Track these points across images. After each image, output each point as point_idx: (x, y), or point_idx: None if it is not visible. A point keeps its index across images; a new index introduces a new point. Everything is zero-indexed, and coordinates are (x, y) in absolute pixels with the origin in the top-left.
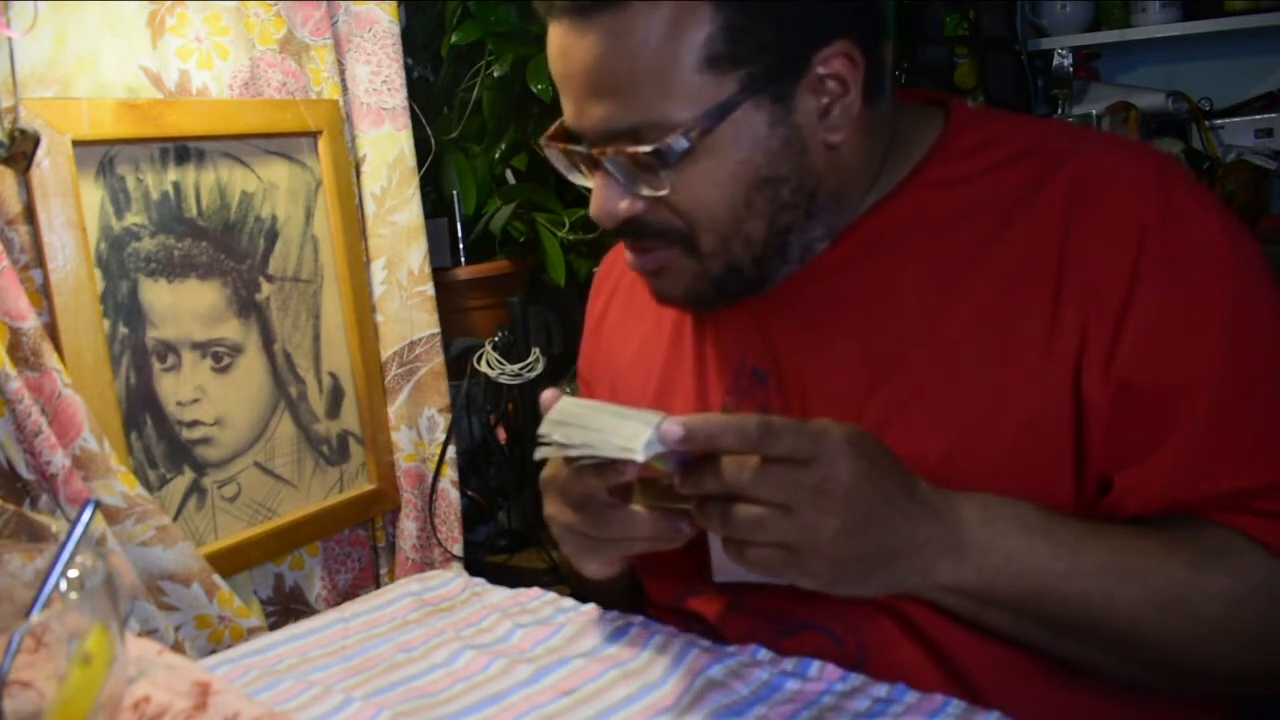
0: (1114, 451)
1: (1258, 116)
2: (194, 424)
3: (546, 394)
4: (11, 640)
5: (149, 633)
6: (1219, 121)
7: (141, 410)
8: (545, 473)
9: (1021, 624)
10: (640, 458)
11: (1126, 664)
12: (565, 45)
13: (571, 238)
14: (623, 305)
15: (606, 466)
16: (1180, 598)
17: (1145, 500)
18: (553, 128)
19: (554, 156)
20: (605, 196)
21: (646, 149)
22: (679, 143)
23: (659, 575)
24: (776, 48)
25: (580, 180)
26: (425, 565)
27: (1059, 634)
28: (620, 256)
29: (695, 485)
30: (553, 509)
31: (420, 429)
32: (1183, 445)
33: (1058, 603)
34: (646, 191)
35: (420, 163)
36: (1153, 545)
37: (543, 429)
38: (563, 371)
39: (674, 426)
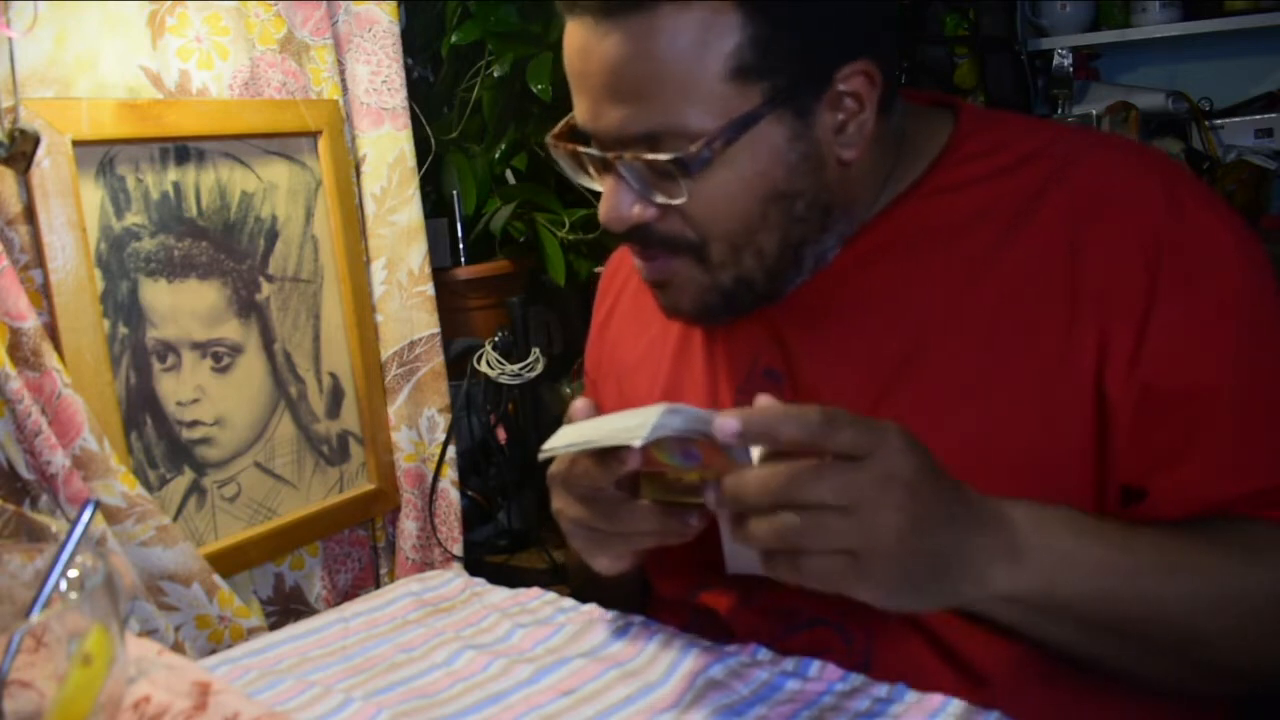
0: (1140, 456)
1: (1258, 116)
2: (194, 424)
3: (577, 403)
4: (11, 640)
5: (149, 633)
6: (1219, 121)
7: (141, 410)
8: (552, 468)
9: (1081, 632)
10: (638, 443)
11: (1183, 668)
12: (586, 44)
13: (571, 238)
14: (629, 306)
15: (610, 456)
16: (1235, 593)
17: (1183, 505)
18: (559, 126)
19: (560, 156)
20: (616, 201)
21: (667, 157)
22: (703, 153)
23: (669, 571)
24: (802, 62)
25: (586, 182)
26: (425, 565)
27: (1118, 640)
28: (626, 258)
29: (735, 499)
30: (560, 503)
31: (420, 429)
32: (1214, 447)
33: (1116, 603)
34: (661, 199)
35: (420, 163)
36: (1202, 543)
37: (547, 444)
38: (563, 371)
39: (729, 420)
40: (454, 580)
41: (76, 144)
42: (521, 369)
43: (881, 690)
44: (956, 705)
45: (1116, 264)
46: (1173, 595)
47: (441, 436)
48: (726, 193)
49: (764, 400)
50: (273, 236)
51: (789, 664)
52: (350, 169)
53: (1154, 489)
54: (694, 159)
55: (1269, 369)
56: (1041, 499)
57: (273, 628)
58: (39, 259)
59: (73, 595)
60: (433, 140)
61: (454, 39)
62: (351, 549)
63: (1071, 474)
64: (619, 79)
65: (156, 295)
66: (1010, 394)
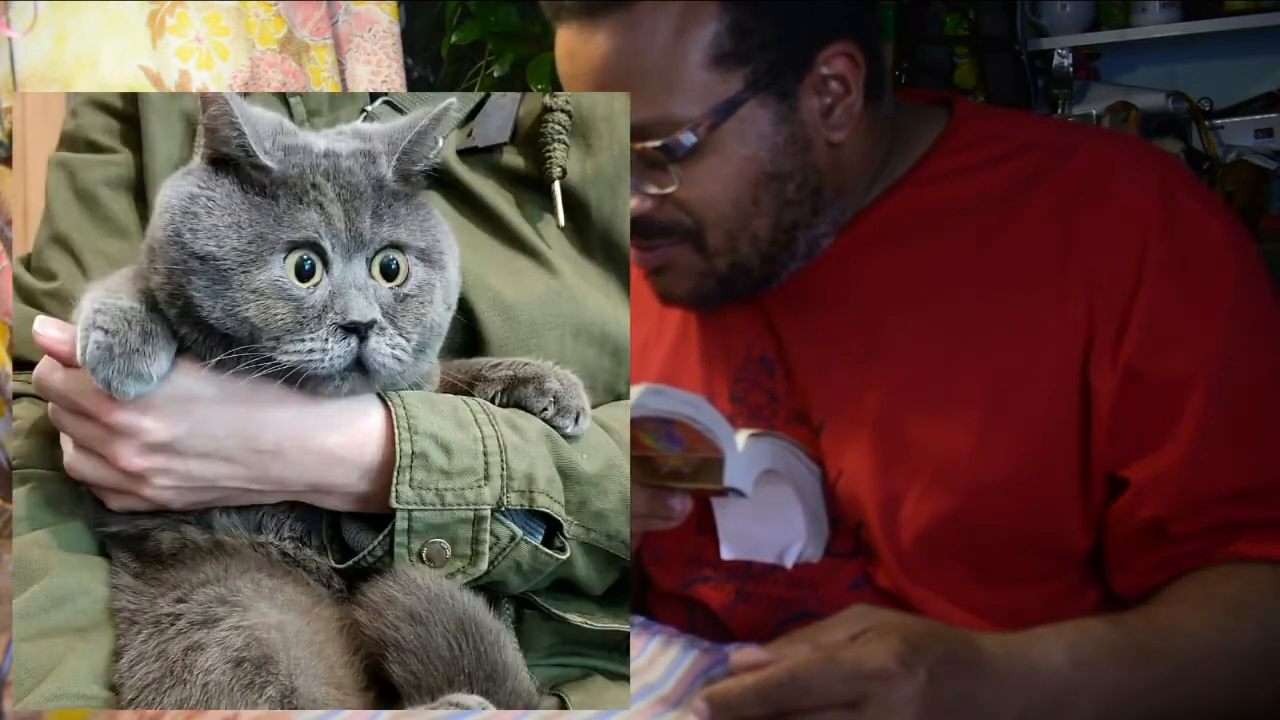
0: (1121, 443)
1: (1258, 116)
2: None
3: None
4: (11, 640)
5: None
6: (1219, 121)
7: None
8: None
9: None
10: None
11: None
12: (573, 47)
13: None
14: None
15: None
16: (1250, 658)
17: (1164, 497)
18: None
19: None
20: None
21: (654, 144)
22: (687, 138)
23: (664, 559)
24: (780, 46)
25: None
26: None
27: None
28: None
29: None
30: None
31: None
32: (1194, 438)
33: (1174, 708)
34: (654, 190)
35: None
36: (1219, 615)
37: None
38: None
39: (699, 704)
40: None
41: None
42: None
43: None
44: None
45: (1107, 249)
46: (1222, 680)
47: None
48: (717, 177)
49: (742, 654)
50: None
51: None
52: None
53: (1134, 478)
54: (680, 144)
55: (1256, 364)
56: (1033, 479)
57: None
58: None
59: None
60: None
61: (454, 39)
62: None
63: (1060, 460)
64: (606, 75)
65: None
66: (1003, 379)
